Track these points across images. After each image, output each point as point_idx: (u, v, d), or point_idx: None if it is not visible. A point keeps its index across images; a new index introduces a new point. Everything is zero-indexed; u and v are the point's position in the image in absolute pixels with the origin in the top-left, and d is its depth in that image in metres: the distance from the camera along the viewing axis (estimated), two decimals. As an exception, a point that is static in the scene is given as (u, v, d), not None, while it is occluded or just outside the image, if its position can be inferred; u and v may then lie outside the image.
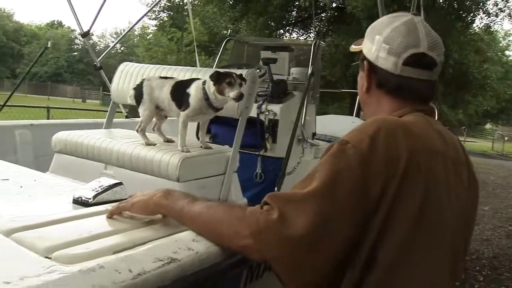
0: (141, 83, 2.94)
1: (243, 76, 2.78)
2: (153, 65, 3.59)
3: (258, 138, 3.90)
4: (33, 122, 3.97)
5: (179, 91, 2.84)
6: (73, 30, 54.70)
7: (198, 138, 3.14)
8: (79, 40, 54.43)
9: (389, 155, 1.14)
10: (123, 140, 2.99)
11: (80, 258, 1.16)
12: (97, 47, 55.22)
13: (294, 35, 22.22)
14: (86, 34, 4.70)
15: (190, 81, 2.87)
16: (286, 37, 21.28)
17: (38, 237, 1.31)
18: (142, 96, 2.89)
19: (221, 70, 2.80)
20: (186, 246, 1.17)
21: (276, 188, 1.83)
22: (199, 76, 3.06)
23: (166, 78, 2.98)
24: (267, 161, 3.95)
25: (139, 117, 3.00)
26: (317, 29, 21.84)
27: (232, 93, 2.64)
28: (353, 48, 1.55)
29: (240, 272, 1.44)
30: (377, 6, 12.88)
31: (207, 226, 1.27)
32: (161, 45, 26.09)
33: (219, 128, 4.06)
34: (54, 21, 56.36)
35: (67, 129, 3.32)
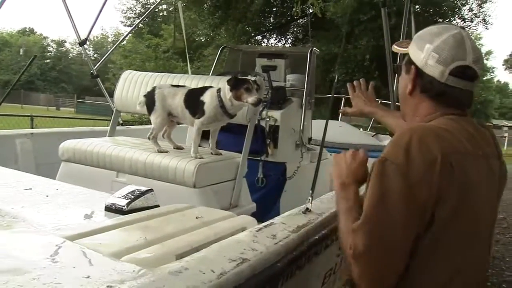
0: (153, 91, 2.98)
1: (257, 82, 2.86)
2: (157, 73, 3.64)
3: (259, 144, 3.97)
4: (34, 131, 3.97)
5: (193, 99, 2.89)
6: (45, 37, 53.91)
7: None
8: (52, 47, 53.76)
9: (425, 161, 1.27)
10: (133, 147, 3.02)
11: (149, 262, 1.21)
12: (70, 54, 54.57)
13: (272, 41, 22.41)
14: (83, 43, 4.70)
15: (204, 89, 2.93)
16: (263, 43, 21.43)
17: (99, 243, 1.35)
18: (154, 103, 2.93)
19: (239, 76, 2.87)
20: (249, 246, 1.23)
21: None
22: (207, 84, 3.13)
23: (178, 86, 3.03)
24: (269, 166, 4.02)
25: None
26: (294, 35, 22.13)
27: (250, 99, 2.72)
28: (397, 49, 1.68)
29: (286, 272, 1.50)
30: (356, 12, 13.07)
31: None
32: (139, 52, 25.94)
33: (221, 134, 4.11)
34: (26, 28, 55.64)
35: (68, 138, 3.33)
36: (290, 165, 4.13)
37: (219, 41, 19.55)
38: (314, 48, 4.48)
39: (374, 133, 7.85)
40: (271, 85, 4.10)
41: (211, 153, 3.04)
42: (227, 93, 2.79)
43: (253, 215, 2.23)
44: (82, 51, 5.08)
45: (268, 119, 3.97)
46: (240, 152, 3.49)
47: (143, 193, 1.92)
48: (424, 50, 1.46)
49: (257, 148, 3.99)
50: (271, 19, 21.69)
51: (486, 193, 1.39)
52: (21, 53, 47.17)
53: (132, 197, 1.88)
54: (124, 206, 1.84)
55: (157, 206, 1.95)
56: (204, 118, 2.86)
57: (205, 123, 2.89)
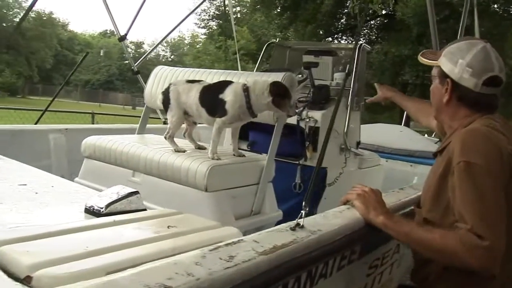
0: (168, 87, 2.78)
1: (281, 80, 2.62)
2: (187, 69, 3.45)
3: (297, 147, 3.68)
4: (68, 126, 3.91)
5: (210, 96, 2.66)
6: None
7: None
8: (131, 48, 55.85)
9: (495, 154, 1.61)
10: (152, 146, 2.84)
11: (64, 279, 1.00)
12: (148, 56, 56.40)
13: (343, 42, 21.85)
14: (123, 38, 4.63)
15: (222, 85, 2.68)
16: (334, 45, 20.95)
17: (26, 251, 1.15)
18: (169, 101, 2.74)
19: (284, 84, 2.70)
20: (185, 270, 0.97)
21: (304, 203, 1.58)
22: (233, 80, 2.89)
23: (193, 81, 2.81)
24: (307, 171, 3.70)
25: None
26: (366, 36, 21.44)
27: (291, 111, 2.65)
28: (425, 61, 1.93)
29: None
30: (428, 12, 12.46)
31: (441, 252, 1.63)
32: (209, 53, 26.27)
33: (257, 135, 3.86)
34: (107, 30, 58.03)
35: (101, 134, 3.23)
36: (331, 170, 3.79)
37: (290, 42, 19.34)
38: (364, 44, 4.11)
39: (438, 140, 7.28)
40: (313, 83, 3.80)
41: (233, 155, 2.79)
42: (262, 95, 2.56)
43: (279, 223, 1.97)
44: (124, 48, 5.00)
45: (308, 120, 3.67)
46: (280, 155, 3.23)
47: (126, 196, 1.72)
48: (457, 65, 1.75)
49: (295, 151, 3.70)
50: (343, 20, 21.15)
51: None
52: (101, 54, 49.45)
53: (114, 198, 1.70)
54: (102, 208, 1.65)
55: (143, 210, 1.75)
56: (227, 117, 2.60)
57: (227, 123, 2.65)
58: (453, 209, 1.66)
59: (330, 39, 20.89)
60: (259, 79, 2.69)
